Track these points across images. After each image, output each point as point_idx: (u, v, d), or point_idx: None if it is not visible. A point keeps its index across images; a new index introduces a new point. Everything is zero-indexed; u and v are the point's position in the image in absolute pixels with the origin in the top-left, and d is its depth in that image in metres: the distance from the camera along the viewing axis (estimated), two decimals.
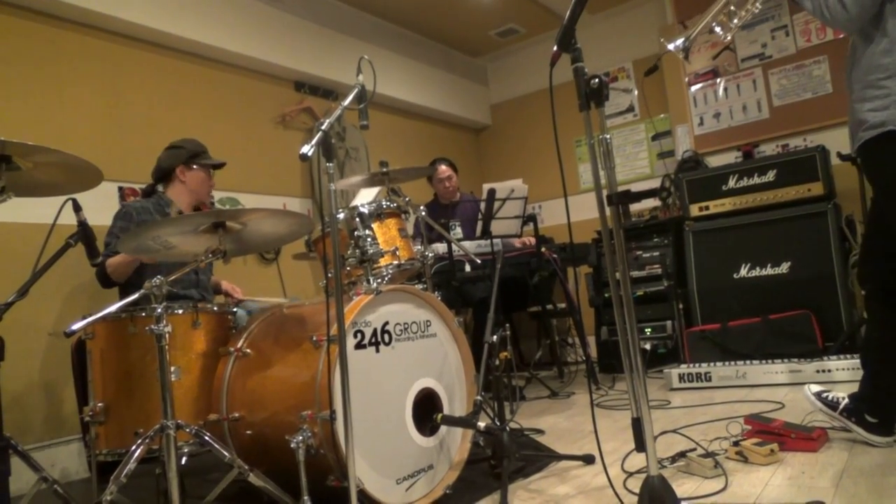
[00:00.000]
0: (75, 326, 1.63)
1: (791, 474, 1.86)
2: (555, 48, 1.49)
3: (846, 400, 2.12)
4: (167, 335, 1.73)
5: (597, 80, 1.41)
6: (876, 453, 1.95)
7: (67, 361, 2.78)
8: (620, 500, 1.64)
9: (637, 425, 1.42)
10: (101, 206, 2.94)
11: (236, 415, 1.96)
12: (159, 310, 1.71)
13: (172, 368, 1.83)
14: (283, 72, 4.43)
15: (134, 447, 1.75)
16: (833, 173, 3.86)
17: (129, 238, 1.82)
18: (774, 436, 2.11)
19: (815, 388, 2.22)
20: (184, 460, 1.91)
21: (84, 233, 1.91)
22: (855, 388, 2.15)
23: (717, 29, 2.12)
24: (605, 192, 1.43)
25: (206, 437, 1.79)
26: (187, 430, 1.78)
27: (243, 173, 4.10)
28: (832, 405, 2.14)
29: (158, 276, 1.71)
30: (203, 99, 4.00)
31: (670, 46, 2.16)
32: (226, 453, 1.78)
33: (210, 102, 4.04)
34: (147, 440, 1.75)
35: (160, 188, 2.77)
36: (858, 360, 3.00)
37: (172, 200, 2.72)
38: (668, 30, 4.93)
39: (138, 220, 2.59)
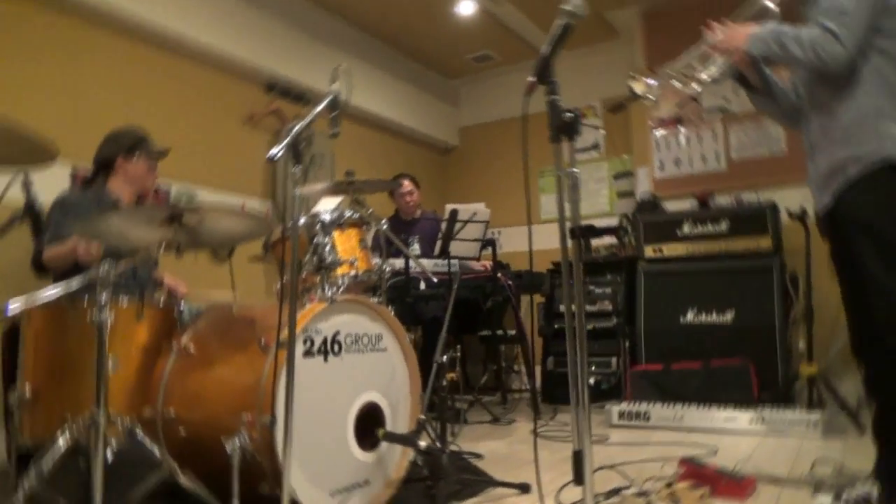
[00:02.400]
0: (13, 306, 1.57)
1: None
2: (531, 79, 1.51)
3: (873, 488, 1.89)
4: (109, 326, 1.68)
5: (571, 114, 1.44)
6: (803, 502, 2.01)
7: None
8: None
9: (578, 458, 1.43)
10: (51, 188, 2.83)
11: (172, 412, 1.90)
12: (104, 298, 1.66)
13: (110, 359, 1.77)
14: (255, 71, 4.38)
15: (59, 437, 1.68)
16: (782, 230, 4.01)
17: (84, 223, 1.77)
18: (706, 480, 2.15)
19: (825, 500, 1.97)
20: (110, 455, 1.84)
21: (32, 211, 1.84)
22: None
23: (677, 84, 2.19)
24: (567, 225, 1.46)
25: (138, 434, 1.73)
26: (118, 424, 1.71)
27: (205, 167, 4.03)
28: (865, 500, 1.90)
29: (107, 261, 1.66)
30: (170, 90, 3.93)
31: (637, 90, 2.22)
32: (157, 452, 1.72)
33: (177, 94, 3.96)
34: (74, 431, 1.68)
35: (101, 179, 2.69)
36: (801, 415, 3.13)
37: (113, 192, 2.64)
38: (640, 72, 5.08)
39: (74, 213, 2.49)
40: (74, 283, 1.68)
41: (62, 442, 1.68)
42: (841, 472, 2.30)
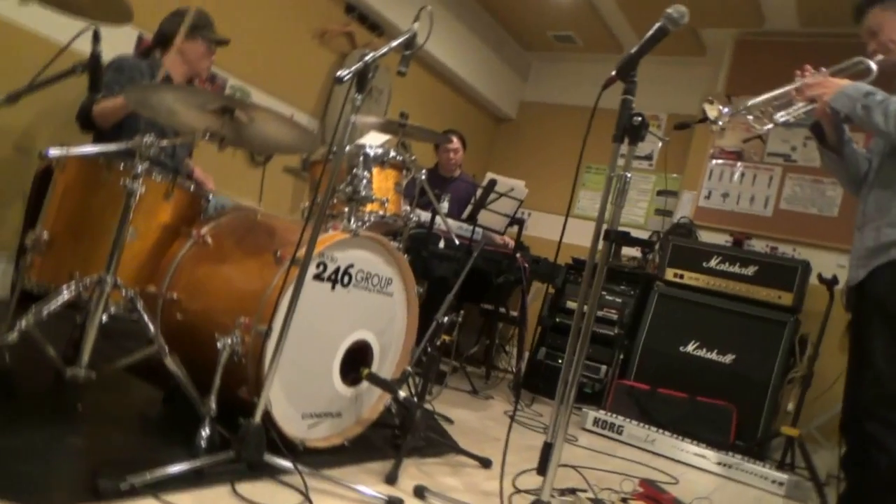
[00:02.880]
0: (53, 152, 1.59)
1: None
2: (613, 73, 1.49)
3: None
4: (138, 196, 1.71)
5: (640, 118, 1.42)
6: None
7: (19, 180, 2.72)
8: None
9: (547, 450, 1.45)
10: (115, 49, 2.85)
11: (174, 295, 1.93)
12: (140, 168, 1.68)
13: (130, 229, 1.80)
14: None
15: (65, 288, 1.72)
16: (807, 291, 3.95)
17: (138, 90, 1.78)
18: None
19: None
20: (107, 318, 1.88)
21: (94, 65, 1.85)
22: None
23: (750, 118, 2.13)
24: (604, 227, 1.45)
25: (138, 306, 1.77)
26: (123, 292, 1.75)
27: (263, 70, 4.02)
28: None
29: (151, 135, 1.68)
30: None
31: (710, 114, 2.17)
32: (151, 328, 1.76)
33: None
34: (80, 287, 1.72)
35: (157, 53, 2.70)
36: (769, 472, 3.12)
37: (166, 68, 2.66)
38: (717, 97, 4.97)
39: (129, 76, 2.54)
40: (116, 146, 1.70)
41: (66, 294, 1.72)
42: None
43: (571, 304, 4.43)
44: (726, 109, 2.15)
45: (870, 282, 1.88)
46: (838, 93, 1.89)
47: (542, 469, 1.47)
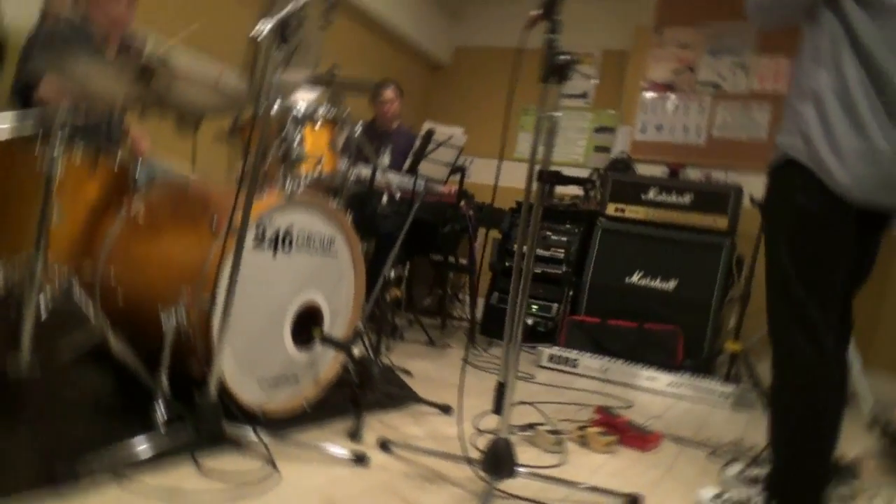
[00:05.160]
0: None
1: (620, 466, 2.03)
2: (537, 12, 1.47)
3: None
4: (57, 178, 1.63)
5: (565, 57, 1.42)
6: (699, 463, 2.16)
7: None
8: (467, 453, 1.72)
9: (501, 390, 1.49)
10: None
11: (112, 274, 1.88)
12: (57, 151, 1.60)
13: (55, 210, 1.72)
14: None
15: None
16: (740, 213, 4.11)
17: (55, 56, 1.68)
18: (616, 430, 2.28)
19: (709, 493, 1.80)
20: (44, 307, 1.81)
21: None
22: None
23: None
24: (537, 168, 1.46)
25: (74, 291, 1.71)
26: (55, 273, 1.68)
27: (188, 22, 3.83)
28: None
29: (68, 107, 1.59)
30: None
31: None
32: (92, 316, 1.71)
33: None
34: (9, 272, 1.65)
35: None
36: (716, 386, 3.30)
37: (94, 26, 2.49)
38: (644, 31, 5.00)
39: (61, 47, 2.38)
40: (29, 122, 1.60)
41: None
42: (739, 444, 2.45)
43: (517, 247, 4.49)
44: None
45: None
46: None
47: (497, 408, 1.51)
